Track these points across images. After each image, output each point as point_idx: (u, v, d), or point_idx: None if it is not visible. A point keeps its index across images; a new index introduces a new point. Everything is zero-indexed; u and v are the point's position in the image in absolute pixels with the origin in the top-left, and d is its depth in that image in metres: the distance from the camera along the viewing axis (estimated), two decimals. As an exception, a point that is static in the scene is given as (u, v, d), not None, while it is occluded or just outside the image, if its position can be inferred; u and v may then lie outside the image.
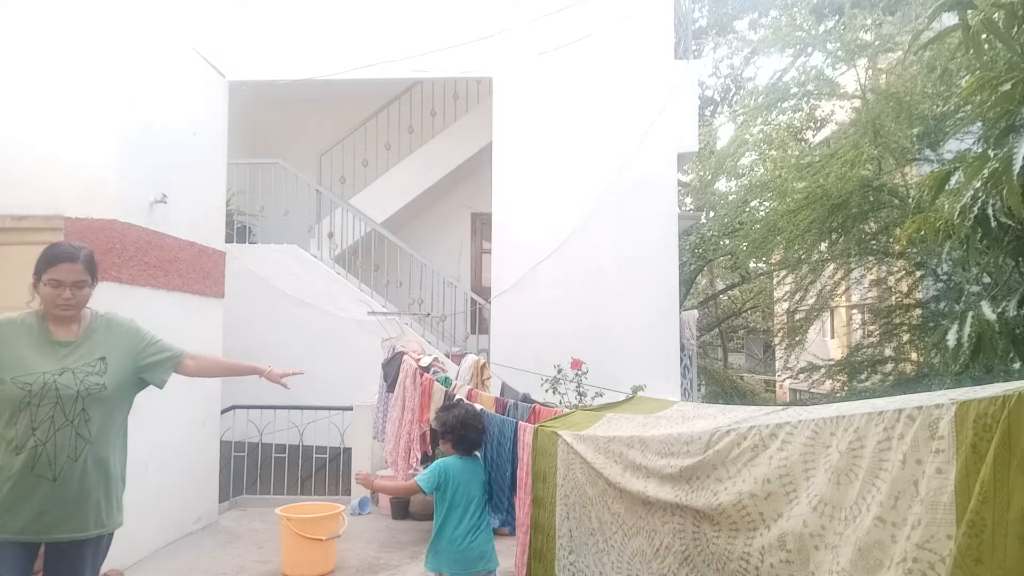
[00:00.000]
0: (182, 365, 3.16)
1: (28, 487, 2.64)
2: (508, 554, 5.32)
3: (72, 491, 2.71)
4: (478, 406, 4.24)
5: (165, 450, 5.63)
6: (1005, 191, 2.52)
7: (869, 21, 10.74)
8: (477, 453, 3.91)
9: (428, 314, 9.11)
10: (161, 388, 3.10)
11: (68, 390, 2.71)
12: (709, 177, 17.34)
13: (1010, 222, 2.74)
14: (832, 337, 17.30)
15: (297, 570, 5.07)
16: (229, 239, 8.10)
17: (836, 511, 2.02)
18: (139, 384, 3.04)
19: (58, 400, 2.69)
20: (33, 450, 2.64)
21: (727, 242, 15.93)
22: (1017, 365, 3.27)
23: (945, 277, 7.92)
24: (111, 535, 2.99)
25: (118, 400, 2.91)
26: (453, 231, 10.59)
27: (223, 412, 6.88)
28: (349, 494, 7.14)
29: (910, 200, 7.58)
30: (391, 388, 6.00)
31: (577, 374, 6.84)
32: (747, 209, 14.43)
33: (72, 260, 2.87)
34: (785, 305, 12.92)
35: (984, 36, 2.88)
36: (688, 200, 18.34)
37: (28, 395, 2.66)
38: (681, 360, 8.86)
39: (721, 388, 18.07)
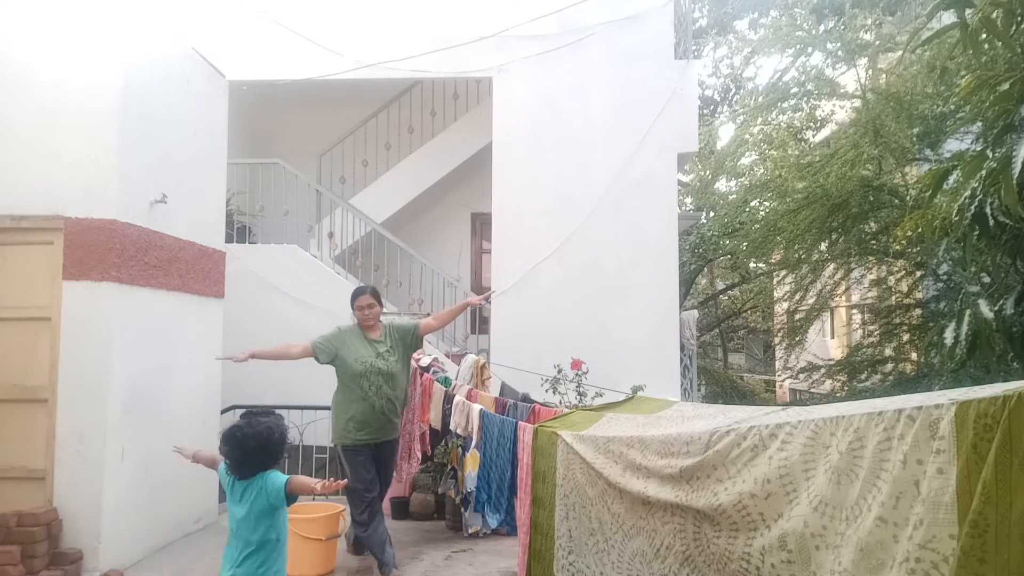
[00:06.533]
0: (424, 327, 5.16)
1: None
2: (508, 554, 5.33)
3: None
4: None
5: (165, 450, 5.62)
6: (1002, 190, 2.52)
7: (869, 21, 10.73)
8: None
9: (428, 314, 9.09)
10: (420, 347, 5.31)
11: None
12: (709, 177, 17.34)
13: (1007, 221, 2.74)
14: (832, 337, 17.30)
15: (297, 570, 5.05)
16: (229, 239, 8.09)
17: (837, 511, 2.02)
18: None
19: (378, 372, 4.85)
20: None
21: (727, 242, 15.93)
22: (1016, 364, 3.27)
23: (945, 277, 7.92)
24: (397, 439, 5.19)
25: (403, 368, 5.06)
26: (453, 231, 10.59)
27: (223, 412, 6.87)
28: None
29: (909, 200, 7.57)
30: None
31: (577, 374, 6.83)
32: (747, 209, 14.43)
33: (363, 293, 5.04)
34: (785, 305, 12.92)
35: (983, 35, 2.88)
36: (688, 200, 18.33)
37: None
38: (681, 360, 8.86)
39: (721, 388, 18.06)
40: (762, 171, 15.74)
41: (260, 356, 4.90)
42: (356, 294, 5.05)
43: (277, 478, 2.97)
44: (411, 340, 5.04)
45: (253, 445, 2.95)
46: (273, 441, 3.00)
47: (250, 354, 4.80)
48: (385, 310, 8.70)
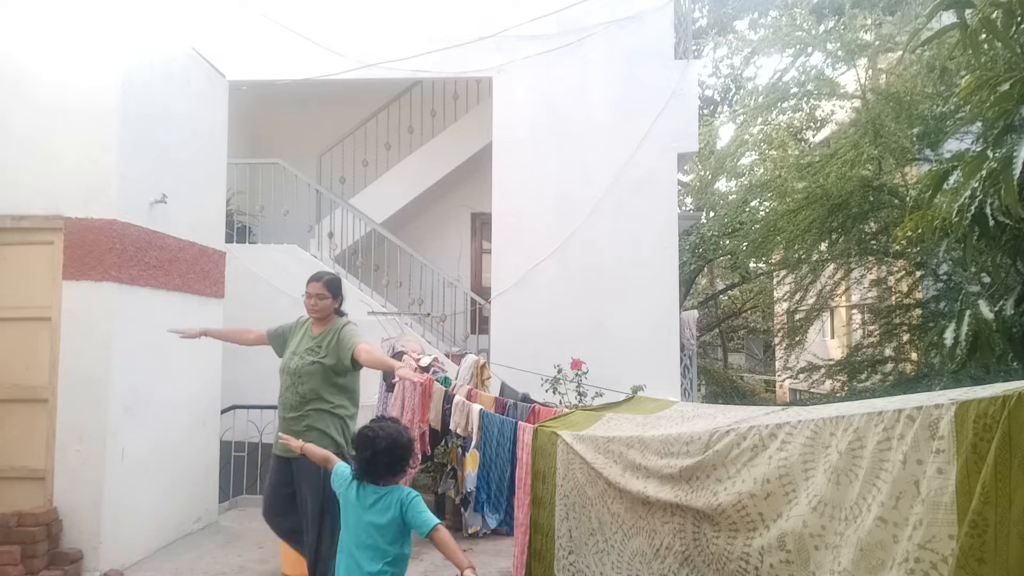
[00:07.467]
0: (357, 352, 4.11)
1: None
2: (508, 554, 5.33)
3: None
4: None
5: (165, 450, 5.63)
6: (1003, 190, 2.52)
7: (869, 21, 10.73)
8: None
9: (428, 314, 9.10)
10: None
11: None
12: (709, 177, 17.33)
13: (1008, 221, 2.75)
14: (832, 337, 17.29)
15: (297, 570, 5.06)
16: (229, 239, 8.09)
17: (836, 511, 2.02)
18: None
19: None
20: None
21: (727, 242, 15.92)
22: (1016, 364, 3.27)
23: (945, 277, 7.91)
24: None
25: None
26: (453, 231, 10.59)
27: (223, 412, 6.88)
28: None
29: (909, 200, 7.56)
30: (390, 388, 6.00)
31: (577, 374, 6.83)
32: (747, 209, 14.41)
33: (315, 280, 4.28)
34: (785, 305, 12.90)
35: (983, 36, 2.88)
36: (688, 200, 18.33)
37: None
38: (681, 360, 8.86)
39: (721, 388, 18.05)
40: (762, 171, 15.74)
41: (212, 335, 4.75)
42: (308, 279, 4.36)
43: (427, 517, 2.89)
44: (345, 353, 4.13)
45: (383, 445, 2.93)
46: (402, 444, 2.99)
47: (202, 331, 4.65)
48: (384, 310, 8.75)
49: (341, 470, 3.12)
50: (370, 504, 2.94)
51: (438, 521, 2.90)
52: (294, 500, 4.17)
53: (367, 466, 2.95)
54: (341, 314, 4.40)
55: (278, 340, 4.48)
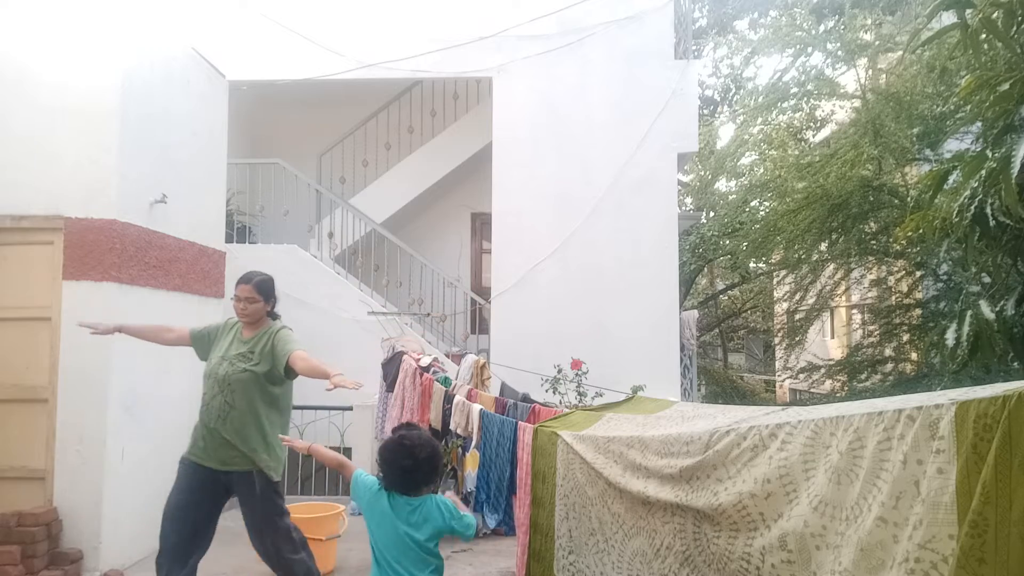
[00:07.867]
0: (293, 359, 3.79)
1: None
2: (508, 554, 5.33)
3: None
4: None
5: (165, 450, 5.61)
6: (1003, 190, 2.52)
7: (869, 21, 10.73)
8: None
9: (428, 314, 9.10)
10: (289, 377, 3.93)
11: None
12: (709, 177, 17.34)
13: (1008, 221, 2.75)
14: (832, 337, 17.29)
15: (297, 570, 5.06)
16: (229, 239, 8.09)
17: (837, 511, 2.02)
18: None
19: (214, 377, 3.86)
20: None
21: (727, 242, 15.93)
22: (1016, 364, 3.27)
23: (945, 277, 7.92)
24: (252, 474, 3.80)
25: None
26: (453, 231, 10.59)
27: (223, 412, 6.87)
28: (349, 494, 7.14)
29: (909, 200, 7.56)
30: (390, 388, 6.00)
31: (577, 374, 6.83)
32: (747, 209, 14.42)
33: (244, 282, 4.01)
34: (785, 305, 12.91)
35: (983, 36, 2.88)
36: (688, 200, 18.34)
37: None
38: (681, 360, 8.86)
39: (721, 388, 18.07)
40: (762, 171, 15.74)
41: (128, 331, 4.20)
42: (237, 281, 4.06)
43: (470, 520, 2.83)
44: (280, 360, 3.85)
45: (425, 454, 2.76)
46: (439, 452, 2.86)
47: (117, 327, 4.13)
48: (384, 310, 8.75)
49: (364, 479, 2.92)
50: (406, 516, 2.77)
51: (474, 519, 2.90)
52: (209, 518, 3.88)
53: (407, 476, 2.75)
54: (275, 316, 4.13)
55: (201, 342, 4.12)
